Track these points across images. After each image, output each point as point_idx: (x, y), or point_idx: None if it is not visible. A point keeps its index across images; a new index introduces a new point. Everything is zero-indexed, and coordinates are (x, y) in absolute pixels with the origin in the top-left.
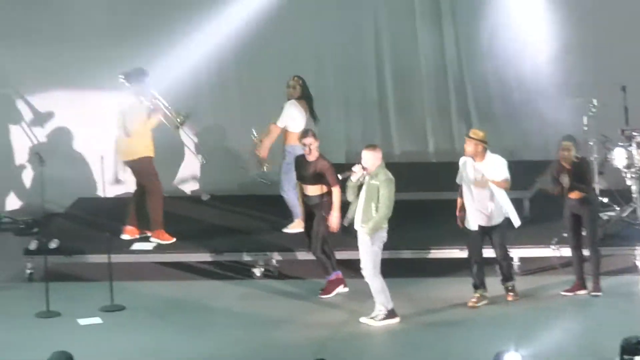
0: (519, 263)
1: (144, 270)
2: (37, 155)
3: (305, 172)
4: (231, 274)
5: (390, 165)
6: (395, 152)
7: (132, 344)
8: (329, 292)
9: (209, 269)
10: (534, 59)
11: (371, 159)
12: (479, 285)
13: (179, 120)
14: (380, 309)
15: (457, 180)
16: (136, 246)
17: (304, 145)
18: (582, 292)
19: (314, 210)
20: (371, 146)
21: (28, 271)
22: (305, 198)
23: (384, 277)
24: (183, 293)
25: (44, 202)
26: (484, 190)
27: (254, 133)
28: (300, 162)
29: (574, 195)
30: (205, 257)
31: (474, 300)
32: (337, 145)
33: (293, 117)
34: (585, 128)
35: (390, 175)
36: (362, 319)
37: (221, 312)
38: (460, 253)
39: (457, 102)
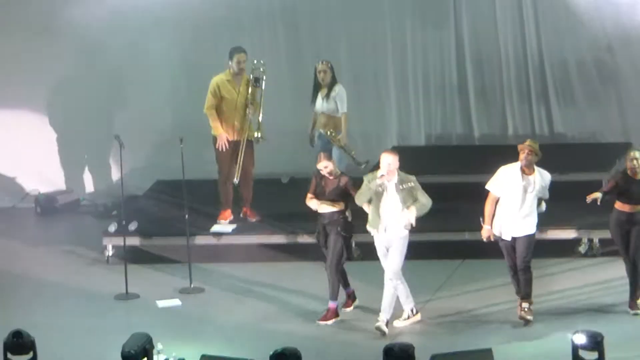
0: (598, 245)
1: (223, 252)
2: (117, 138)
3: (325, 189)
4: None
5: (469, 148)
6: (475, 134)
7: (210, 327)
8: (327, 320)
9: (288, 250)
10: (614, 41)
11: (395, 161)
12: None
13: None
14: (409, 310)
15: (490, 188)
16: (215, 228)
17: (321, 169)
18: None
19: (327, 228)
20: (390, 150)
21: (107, 253)
22: (319, 216)
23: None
24: (262, 275)
25: (123, 184)
26: (534, 201)
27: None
28: (318, 180)
29: (627, 208)
30: (282, 239)
31: (525, 310)
32: (416, 128)
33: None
34: None
35: None
36: (396, 323)
37: (299, 293)
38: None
39: (537, 86)
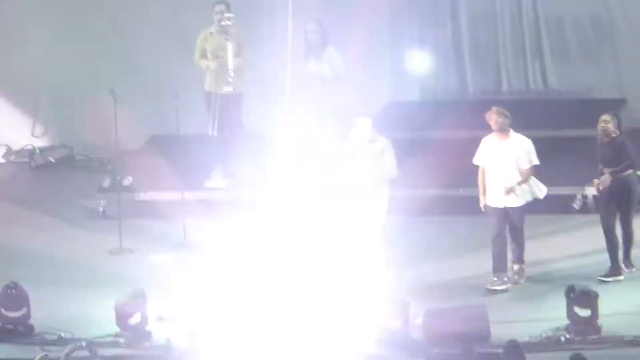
0: (592, 201)
1: (216, 208)
2: (112, 93)
3: None
4: None
5: (463, 102)
6: (469, 90)
7: (204, 281)
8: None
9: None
10: None
11: (369, 125)
12: (502, 269)
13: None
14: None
15: (475, 160)
16: (209, 184)
17: None
18: (620, 277)
19: None
20: (362, 117)
21: (101, 208)
22: None
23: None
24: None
25: (118, 139)
26: (517, 168)
27: None
28: None
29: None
30: None
31: (496, 283)
32: (411, 84)
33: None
34: None
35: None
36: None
37: None
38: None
39: (531, 41)
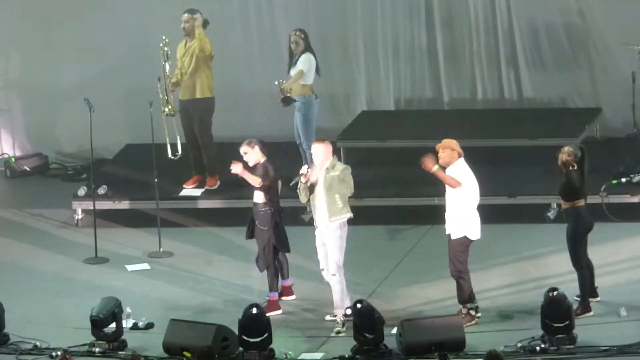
0: None
1: (192, 217)
2: (86, 101)
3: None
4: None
5: (438, 112)
6: (444, 99)
7: (179, 291)
8: (267, 312)
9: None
10: (584, 4)
11: (323, 152)
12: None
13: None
14: (340, 316)
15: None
16: (184, 192)
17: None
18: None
19: (254, 218)
20: (320, 140)
21: (76, 217)
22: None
23: None
24: (230, 239)
25: (93, 148)
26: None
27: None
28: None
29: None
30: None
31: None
32: (386, 93)
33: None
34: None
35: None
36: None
37: None
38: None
39: (506, 50)
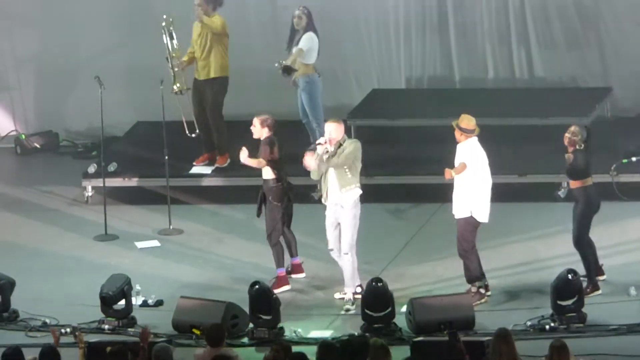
0: None
1: (202, 194)
2: (97, 79)
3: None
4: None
5: (449, 91)
6: (455, 77)
7: (189, 268)
8: (276, 288)
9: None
10: None
11: (336, 130)
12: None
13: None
14: (350, 294)
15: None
16: (194, 170)
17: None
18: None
19: (266, 195)
20: (334, 119)
21: (87, 194)
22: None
23: None
24: (240, 217)
25: (103, 125)
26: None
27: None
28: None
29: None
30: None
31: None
32: (397, 71)
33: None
34: None
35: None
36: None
37: None
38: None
39: (517, 29)
